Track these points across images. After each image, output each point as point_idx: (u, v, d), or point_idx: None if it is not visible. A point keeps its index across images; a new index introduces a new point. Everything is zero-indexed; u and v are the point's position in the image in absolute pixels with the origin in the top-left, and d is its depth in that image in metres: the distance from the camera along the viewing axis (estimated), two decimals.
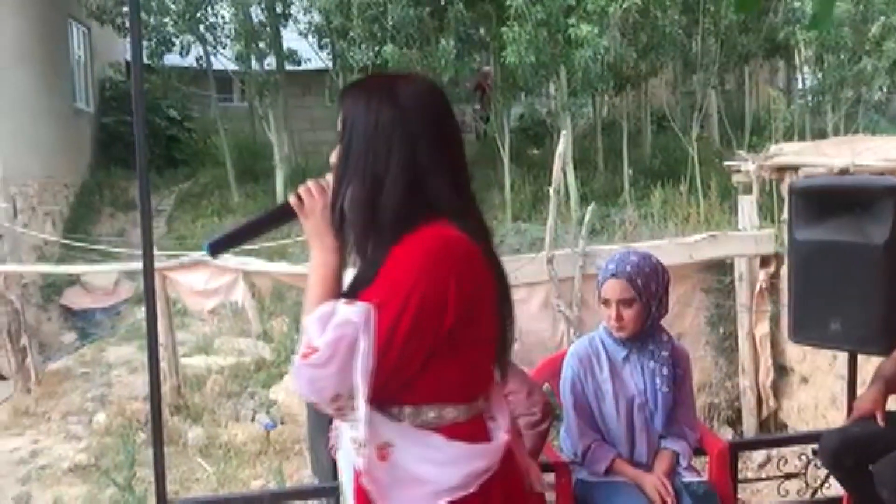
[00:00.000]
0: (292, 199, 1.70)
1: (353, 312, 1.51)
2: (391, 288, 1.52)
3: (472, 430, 1.65)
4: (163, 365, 6.78)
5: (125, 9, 13.30)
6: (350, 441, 1.62)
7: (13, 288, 8.14)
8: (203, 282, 7.34)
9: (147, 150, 2.66)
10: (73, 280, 10.58)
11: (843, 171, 5.30)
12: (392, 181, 1.58)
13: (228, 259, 6.92)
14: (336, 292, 1.62)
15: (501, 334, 1.71)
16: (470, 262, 1.58)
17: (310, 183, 1.70)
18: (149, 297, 2.72)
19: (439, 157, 1.62)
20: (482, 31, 13.16)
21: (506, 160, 12.12)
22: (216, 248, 1.77)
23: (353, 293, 1.58)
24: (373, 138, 1.60)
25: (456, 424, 1.62)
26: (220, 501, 3.69)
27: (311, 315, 1.56)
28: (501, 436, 1.68)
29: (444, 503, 1.59)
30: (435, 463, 1.60)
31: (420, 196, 1.59)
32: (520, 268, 6.42)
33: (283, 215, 1.74)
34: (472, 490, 1.61)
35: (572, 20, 10.68)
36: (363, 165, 1.60)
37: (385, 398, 1.57)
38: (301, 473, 6.54)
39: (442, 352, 1.57)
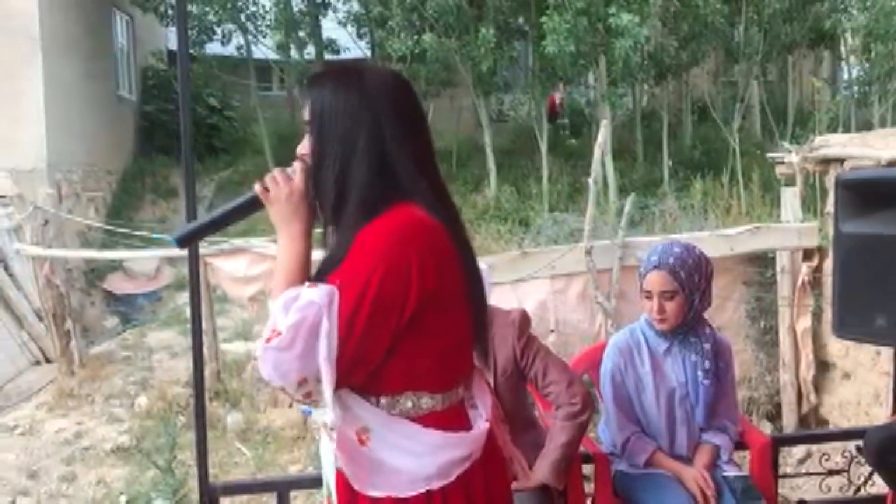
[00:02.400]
0: (258, 188, 1.69)
1: (315, 294, 1.50)
2: (353, 270, 1.52)
3: (451, 419, 1.62)
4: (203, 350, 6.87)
5: None
6: (322, 427, 1.62)
7: (58, 272, 8.30)
8: (243, 269, 7.40)
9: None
10: (116, 265, 10.77)
11: (892, 164, 5.19)
12: (358, 163, 1.58)
13: (269, 246, 6.97)
14: (303, 278, 1.60)
15: (474, 320, 1.68)
16: (435, 244, 1.57)
17: (275, 171, 1.69)
18: (193, 283, 2.76)
19: (405, 140, 1.61)
20: (521, 20, 13.10)
21: (544, 150, 12.07)
22: (184, 241, 1.80)
23: (320, 277, 1.57)
24: (341, 120, 1.60)
25: (433, 413, 1.60)
26: (258, 485, 3.73)
27: (276, 300, 1.55)
28: (482, 423, 1.66)
29: (423, 491, 1.58)
30: (411, 453, 1.58)
31: (387, 179, 1.59)
32: (558, 258, 6.41)
33: (251, 205, 1.73)
34: (451, 479, 1.59)
35: (612, 9, 10.59)
36: (334, 148, 1.60)
37: (360, 388, 1.57)
38: None
39: (409, 336, 1.55)
